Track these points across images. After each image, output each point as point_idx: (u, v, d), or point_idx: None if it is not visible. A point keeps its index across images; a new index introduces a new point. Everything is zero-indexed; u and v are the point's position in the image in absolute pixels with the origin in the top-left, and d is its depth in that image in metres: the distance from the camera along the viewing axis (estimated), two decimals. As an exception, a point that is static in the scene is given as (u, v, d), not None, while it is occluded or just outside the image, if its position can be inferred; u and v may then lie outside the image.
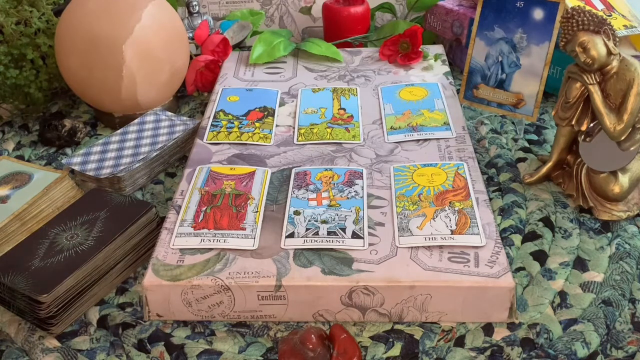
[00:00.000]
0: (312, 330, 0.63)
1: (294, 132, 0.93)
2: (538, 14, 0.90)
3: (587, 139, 0.81)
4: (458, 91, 1.01)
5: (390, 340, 0.67)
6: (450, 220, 0.73)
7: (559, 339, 0.67)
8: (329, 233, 0.72)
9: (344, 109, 0.97)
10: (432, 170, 0.82)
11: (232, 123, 0.95)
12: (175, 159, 0.96)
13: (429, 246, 0.70)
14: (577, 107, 0.81)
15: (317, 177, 0.82)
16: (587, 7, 0.78)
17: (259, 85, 1.05)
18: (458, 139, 0.89)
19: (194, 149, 0.89)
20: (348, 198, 0.78)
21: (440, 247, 0.70)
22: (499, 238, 0.71)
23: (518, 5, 0.91)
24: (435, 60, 1.10)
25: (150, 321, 0.70)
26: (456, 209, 0.75)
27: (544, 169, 0.87)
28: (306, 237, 0.72)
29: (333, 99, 1.00)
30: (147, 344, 0.68)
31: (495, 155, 0.95)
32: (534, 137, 0.99)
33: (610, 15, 1.02)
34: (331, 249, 0.71)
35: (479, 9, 0.95)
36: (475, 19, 0.95)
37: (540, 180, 0.88)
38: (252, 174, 0.83)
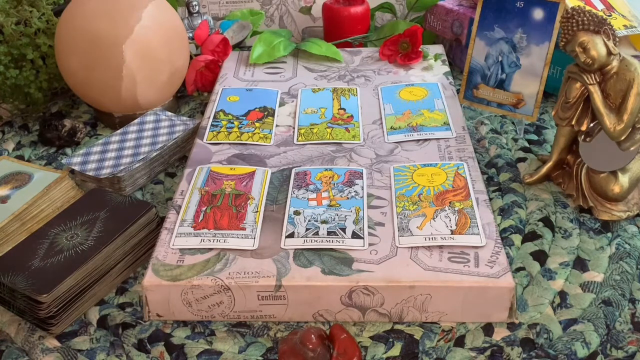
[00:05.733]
0: (312, 330, 0.63)
1: (294, 132, 0.93)
2: (538, 14, 0.90)
3: (587, 139, 0.81)
4: (458, 91, 1.01)
5: (390, 340, 0.67)
6: (450, 220, 0.73)
7: (559, 339, 0.67)
8: (329, 233, 0.72)
9: (344, 109, 0.97)
10: (432, 170, 0.82)
11: (232, 123, 0.95)
12: (175, 159, 0.96)
13: (429, 246, 0.70)
14: (577, 107, 0.81)
15: (317, 177, 0.82)
16: (587, 7, 0.78)
17: (259, 85, 1.05)
18: (458, 139, 0.89)
19: (194, 149, 0.89)
20: (348, 198, 0.78)
21: (440, 247, 0.70)
22: (499, 238, 0.71)
23: (518, 5, 0.91)
24: (435, 60, 1.10)
25: (150, 321, 0.70)
26: (456, 209, 0.75)
27: (544, 169, 0.87)
28: (306, 237, 0.72)
29: (333, 99, 1.00)
30: (147, 344, 0.68)
31: (495, 155, 0.95)
32: (534, 137, 0.99)
33: (610, 15, 1.02)
34: (331, 249, 0.71)
35: (479, 9, 0.95)
36: (475, 19, 0.95)
37: (540, 180, 0.88)
38: (252, 174, 0.83)
